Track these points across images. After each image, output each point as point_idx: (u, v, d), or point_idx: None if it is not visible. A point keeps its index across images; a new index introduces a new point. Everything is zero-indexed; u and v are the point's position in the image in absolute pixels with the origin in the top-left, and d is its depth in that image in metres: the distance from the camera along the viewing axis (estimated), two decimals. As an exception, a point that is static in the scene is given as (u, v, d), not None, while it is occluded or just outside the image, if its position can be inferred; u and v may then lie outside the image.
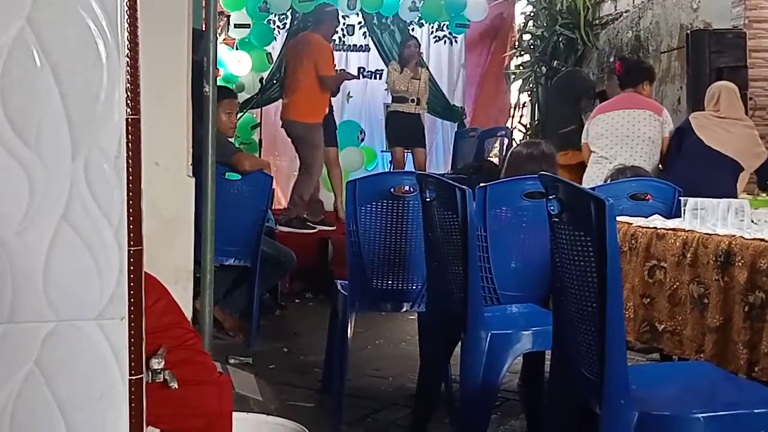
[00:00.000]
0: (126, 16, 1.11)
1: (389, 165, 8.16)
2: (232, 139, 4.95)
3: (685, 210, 2.78)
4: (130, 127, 1.11)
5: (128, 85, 1.11)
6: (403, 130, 7.38)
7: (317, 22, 6.63)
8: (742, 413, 1.86)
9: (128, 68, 1.11)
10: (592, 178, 4.59)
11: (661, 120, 4.66)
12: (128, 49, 1.11)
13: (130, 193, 1.12)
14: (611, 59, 7.41)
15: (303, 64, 6.23)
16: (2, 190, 1.06)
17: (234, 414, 1.74)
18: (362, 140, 8.49)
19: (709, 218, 2.64)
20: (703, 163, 4.28)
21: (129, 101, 1.11)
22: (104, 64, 1.09)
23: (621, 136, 4.63)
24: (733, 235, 2.42)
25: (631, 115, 4.67)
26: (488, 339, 2.57)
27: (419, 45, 7.68)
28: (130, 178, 1.12)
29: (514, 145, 6.54)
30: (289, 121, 6.30)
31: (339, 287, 3.45)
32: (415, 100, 7.30)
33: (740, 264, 2.32)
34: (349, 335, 3.22)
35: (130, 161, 1.11)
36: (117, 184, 1.10)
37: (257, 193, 4.51)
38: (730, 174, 4.32)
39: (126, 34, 1.11)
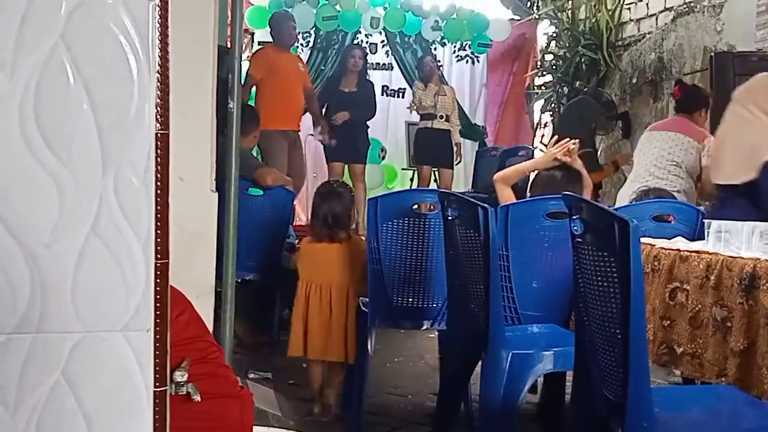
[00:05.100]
0: (157, 32, 1.13)
1: (410, 183, 8.17)
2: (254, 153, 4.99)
3: (708, 232, 2.76)
4: (159, 142, 1.13)
5: (158, 100, 1.13)
6: (431, 149, 7.36)
7: (273, 34, 6.70)
8: (766, 438, 1.84)
9: (158, 83, 1.13)
10: (622, 196, 4.56)
11: (700, 147, 4.52)
12: (159, 65, 1.13)
13: (158, 207, 1.13)
14: (634, 81, 7.40)
15: (263, 78, 6.34)
16: (33, 202, 1.07)
17: (254, 428, 1.74)
18: (383, 158, 8.52)
19: (734, 241, 2.61)
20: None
21: (159, 116, 1.13)
22: (135, 80, 1.11)
23: (651, 157, 4.60)
24: (758, 259, 2.39)
25: (666, 138, 4.62)
26: (509, 358, 2.56)
27: (436, 61, 7.73)
28: (159, 192, 1.13)
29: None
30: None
31: (360, 304, 3.45)
32: (444, 116, 7.31)
33: (765, 288, 2.29)
34: (369, 352, 3.22)
35: (158, 175, 1.12)
36: (145, 197, 1.12)
37: (278, 209, 4.53)
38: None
39: (157, 50, 1.13)
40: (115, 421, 1.10)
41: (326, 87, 7.42)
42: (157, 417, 1.11)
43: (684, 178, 4.54)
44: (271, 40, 8.17)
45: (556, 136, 3.63)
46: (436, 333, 3.63)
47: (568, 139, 3.60)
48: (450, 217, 2.85)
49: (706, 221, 2.88)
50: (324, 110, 6.98)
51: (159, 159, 1.13)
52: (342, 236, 3.51)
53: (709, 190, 4.46)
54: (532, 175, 3.84)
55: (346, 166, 7.06)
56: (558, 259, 3.04)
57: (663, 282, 2.72)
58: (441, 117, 7.30)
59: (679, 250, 2.73)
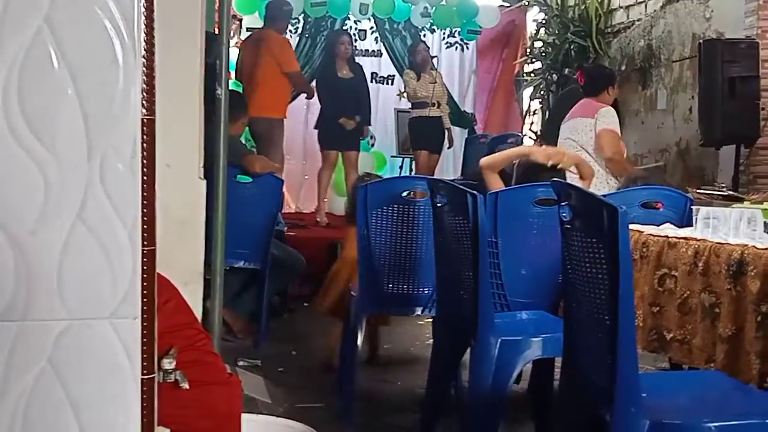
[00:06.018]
0: (143, 18, 1.11)
1: (399, 170, 8.16)
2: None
3: (697, 219, 2.77)
4: (145, 128, 1.12)
5: (144, 86, 1.12)
6: (426, 136, 7.39)
7: (272, 18, 6.69)
8: (753, 423, 1.85)
9: (144, 69, 1.12)
10: None
11: (594, 120, 4.69)
12: (144, 50, 1.11)
13: (145, 194, 1.12)
14: (623, 68, 7.41)
15: (263, 61, 6.33)
16: (18, 189, 1.06)
17: (243, 415, 1.74)
18: (373, 145, 8.50)
19: (721, 227, 2.62)
20: None
21: (144, 102, 1.12)
22: (120, 65, 1.10)
23: (569, 147, 4.70)
24: (746, 245, 2.40)
25: (571, 126, 4.80)
26: (498, 345, 2.56)
27: (429, 48, 7.73)
28: (145, 178, 1.12)
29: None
30: (252, 118, 5.95)
31: (350, 291, 3.45)
32: (436, 103, 7.32)
33: (752, 274, 2.30)
34: (359, 339, 3.22)
35: (144, 161, 1.11)
36: (132, 184, 1.11)
37: (267, 196, 4.51)
38: None
39: (142, 35, 1.11)
40: (102, 408, 1.09)
41: (323, 74, 7.35)
42: (144, 405, 1.11)
43: (591, 162, 4.62)
44: (258, 25, 8.18)
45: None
46: (425, 320, 3.63)
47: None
48: (439, 204, 2.85)
49: (694, 208, 2.89)
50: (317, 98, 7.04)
51: (145, 145, 1.12)
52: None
53: (606, 157, 4.56)
54: None
55: (340, 153, 7.05)
56: (547, 245, 3.04)
57: (652, 268, 2.73)
58: (434, 104, 7.30)
59: (667, 236, 2.74)
